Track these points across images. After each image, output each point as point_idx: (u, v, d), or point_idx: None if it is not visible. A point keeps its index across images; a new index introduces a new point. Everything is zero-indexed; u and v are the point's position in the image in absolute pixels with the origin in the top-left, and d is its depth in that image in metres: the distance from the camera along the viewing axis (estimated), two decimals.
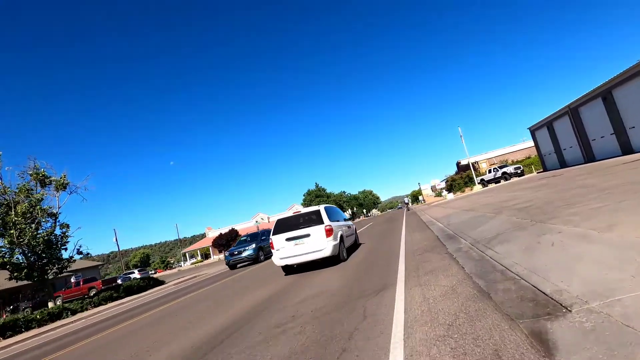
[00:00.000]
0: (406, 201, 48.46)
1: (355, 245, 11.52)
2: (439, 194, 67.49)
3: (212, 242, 51.79)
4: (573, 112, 23.56)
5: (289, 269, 9.29)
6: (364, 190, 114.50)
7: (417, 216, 20.20)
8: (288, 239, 8.53)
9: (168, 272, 56.28)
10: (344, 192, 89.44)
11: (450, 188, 54.29)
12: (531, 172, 40.98)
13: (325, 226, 8.29)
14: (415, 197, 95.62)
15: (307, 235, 8.35)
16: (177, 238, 79.27)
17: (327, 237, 8.21)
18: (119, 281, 31.57)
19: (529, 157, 53.90)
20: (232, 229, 50.56)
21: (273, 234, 8.83)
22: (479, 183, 37.04)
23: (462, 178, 53.73)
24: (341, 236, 9.01)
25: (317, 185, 65.86)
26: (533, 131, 31.65)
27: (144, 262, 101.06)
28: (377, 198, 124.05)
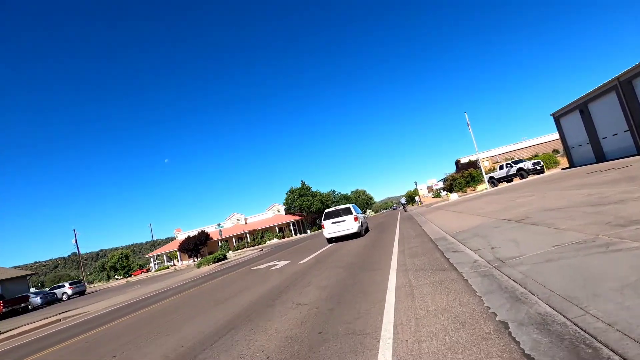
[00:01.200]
0: (403, 202, 44.96)
1: (366, 230, 17.10)
2: (437, 195, 61.96)
3: (179, 246, 45.39)
4: (624, 86, 17.71)
5: (330, 241, 15.03)
6: (357, 190, 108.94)
7: (417, 224, 14.10)
8: (333, 223, 14.56)
9: (116, 283, 49.69)
10: (333, 191, 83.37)
11: (450, 188, 48.86)
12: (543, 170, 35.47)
13: (354, 215, 14.31)
14: (411, 197, 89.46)
15: (344, 221, 14.37)
16: (152, 239, 72.61)
17: (354, 221, 14.19)
18: (38, 299, 25.03)
19: (536, 155, 48.90)
20: (202, 232, 44.23)
21: (324, 220, 14.93)
22: (488, 181, 31.25)
23: (463, 177, 48.38)
24: (361, 222, 15.11)
25: (302, 184, 59.62)
26: (557, 118, 25.82)
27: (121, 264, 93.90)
28: (371, 198, 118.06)
